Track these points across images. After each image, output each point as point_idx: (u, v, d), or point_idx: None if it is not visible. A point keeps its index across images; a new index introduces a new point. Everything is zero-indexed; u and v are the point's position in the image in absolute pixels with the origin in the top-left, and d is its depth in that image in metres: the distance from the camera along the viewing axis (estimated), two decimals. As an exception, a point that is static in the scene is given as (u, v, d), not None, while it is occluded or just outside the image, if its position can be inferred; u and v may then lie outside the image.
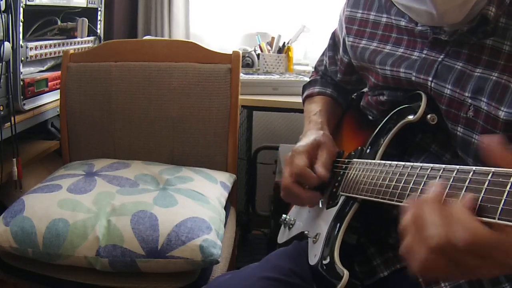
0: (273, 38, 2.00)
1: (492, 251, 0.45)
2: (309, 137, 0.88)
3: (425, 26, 0.74)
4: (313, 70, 1.13)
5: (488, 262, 0.46)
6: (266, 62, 1.93)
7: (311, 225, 0.86)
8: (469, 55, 0.68)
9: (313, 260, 0.78)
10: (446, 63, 0.71)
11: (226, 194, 1.32)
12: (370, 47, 0.84)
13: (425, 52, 0.74)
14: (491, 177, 0.48)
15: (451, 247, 0.46)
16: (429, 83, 0.72)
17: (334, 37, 1.02)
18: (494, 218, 0.45)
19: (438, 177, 0.55)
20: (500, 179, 0.46)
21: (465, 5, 0.64)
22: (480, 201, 0.47)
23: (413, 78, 0.74)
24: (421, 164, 0.60)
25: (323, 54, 1.09)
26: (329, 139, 0.88)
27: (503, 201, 0.45)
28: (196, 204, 1.17)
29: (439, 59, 0.72)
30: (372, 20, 0.86)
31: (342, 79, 1.00)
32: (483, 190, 0.48)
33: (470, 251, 0.46)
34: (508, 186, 0.45)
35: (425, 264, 0.49)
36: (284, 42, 1.97)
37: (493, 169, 0.48)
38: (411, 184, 0.59)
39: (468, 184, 0.50)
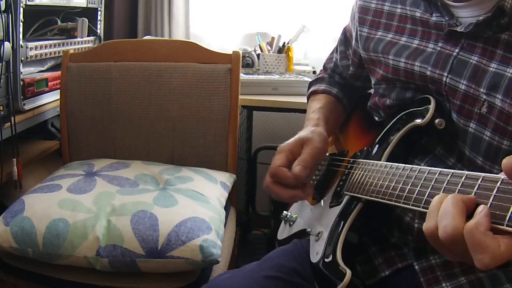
0: (273, 38, 2.00)
1: (507, 260, 0.46)
2: (297, 134, 0.86)
3: (440, 17, 0.74)
4: (322, 68, 1.11)
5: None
6: (266, 62, 1.93)
7: (314, 223, 0.86)
8: (484, 48, 0.68)
9: (315, 257, 0.77)
10: (461, 57, 0.70)
11: (226, 194, 1.32)
12: (385, 39, 0.83)
13: (440, 45, 0.73)
14: (500, 184, 0.48)
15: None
16: (444, 78, 0.72)
17: (345, 32, 1.01)
18: (503, 225, 0.45)
19: (446, 182, 0.54)
20: (510, 187, 0.46)
21: None
22: (489, 208, 0.47)
23: (428, 73, 0.74)
24: (429, 168, 0.59)
25: (332, 52, 1.07)
26: (318, 134, 0.85)
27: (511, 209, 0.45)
28: (196, 204, 1.17)
29: (454, 53, 0.71)
30: (386, 10, 0.85)
31: (354, 73, 0.99)
32: (492, 197, 0.48)
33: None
34: None
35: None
36: (284, 42, 1.98)
37: (502, 176, 0.48)
38: (419, 187, 0.59)
39: (476, 190, 0.50)
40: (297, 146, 0.83)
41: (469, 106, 0.69)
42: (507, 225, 0.45)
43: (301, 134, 0.85)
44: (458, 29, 0.70)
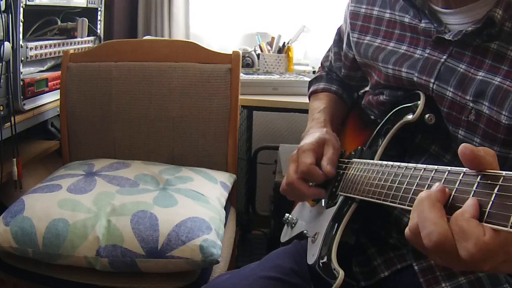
0: (273, 38, 2.00)
1: (494, 255, 0.45)
2: (313, 134, 0.87)
3: (429, 23, 0.74)
4: (320, 65, 1.12)
5: (491, 260, 0.46)
6: (266, 62, 1.93)
7: (311, 225, 0.86)
8: (472, 57, 0.68)
9: (311, 259, 0.78)
10: (449, 65, 0.70)
11: (226, 194, 1.32)
12: (374, 44, 0.84)
13: (427, 51, 0.73)
14: (480, 180, 0.47)
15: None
16: (431, 85, 0.72)
17: (339, 32, 1.02)
18: (482, 221, 0.45)
19: (430, 178, 0.54)
20: (488, 181, 0.46)
21: None
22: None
23: (415, 79, 0.74)
24: (415, 165, 0.59)
25: (329, 50, 1.08)
26: (333, 136, 0.88)
27: (490, 203, 0.45)
28: (196, 204, 1.17)
29: (442, 59, 0.71)
30: (375, 15, 0.85)
31: (347, 75, 1.00)
32: (472, 192, 0.47)
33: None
34: (496, 189, 0.45)
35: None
36: (284, 42, 1.97)
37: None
38: (405, 185, 0.59)
39: (458, 186, 0.49)
40: (319, 146, 0.85)
41: (456, 114, 0.70)
42: (485, 222, 0.44)
43: (318, 134, 0.87)
44: (446, 36, 0.70)
